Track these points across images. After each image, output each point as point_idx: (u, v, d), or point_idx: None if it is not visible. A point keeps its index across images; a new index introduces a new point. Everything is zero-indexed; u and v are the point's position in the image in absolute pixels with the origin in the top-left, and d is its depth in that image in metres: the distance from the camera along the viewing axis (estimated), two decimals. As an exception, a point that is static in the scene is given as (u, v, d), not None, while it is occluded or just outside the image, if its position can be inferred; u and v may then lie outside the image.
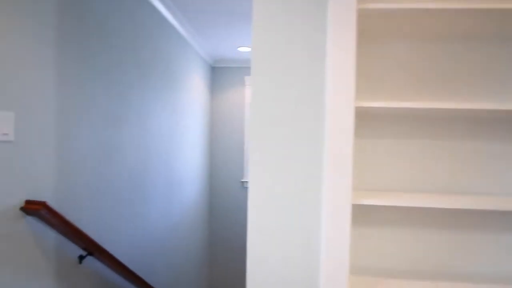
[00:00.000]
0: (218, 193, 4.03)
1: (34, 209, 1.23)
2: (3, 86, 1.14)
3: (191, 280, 3.41)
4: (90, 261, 1.66)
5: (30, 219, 1.27)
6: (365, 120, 1.10)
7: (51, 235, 1.38)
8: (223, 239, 4.05)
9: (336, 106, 0.87)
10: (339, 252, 0.84)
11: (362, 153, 1.13)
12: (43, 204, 1.24)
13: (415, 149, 1.10)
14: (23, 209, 1.23)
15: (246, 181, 3.96)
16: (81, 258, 1.57)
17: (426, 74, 1.10)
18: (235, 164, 4.00)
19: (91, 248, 1.54)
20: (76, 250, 1.55)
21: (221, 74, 4.01)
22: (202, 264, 3.82)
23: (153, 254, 2.42)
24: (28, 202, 1.24)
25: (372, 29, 1.06)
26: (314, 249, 0.93)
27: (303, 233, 0.97)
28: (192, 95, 3.28)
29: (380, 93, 1.08)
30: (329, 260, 0.84)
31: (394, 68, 1.10)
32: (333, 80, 0.85)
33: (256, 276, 0.98)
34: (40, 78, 1.30)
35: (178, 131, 2.88)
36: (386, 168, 1.12)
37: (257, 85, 1.06)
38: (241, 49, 3.46)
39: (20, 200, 1.22)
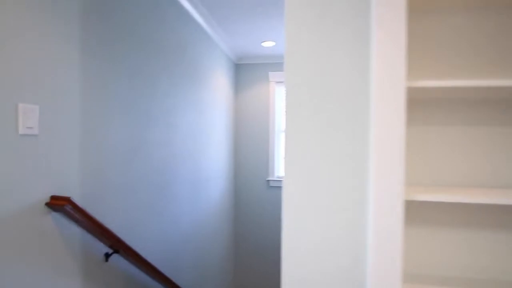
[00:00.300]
0: (243, 192, 3.96)
1: (59, 204, 1.20)
2: (27, 79, 1.11)
3: (216, 280, 3.36)
4: (116, 259, 1.63)
5: (56, 215, 1.25)
6: (414, 104, 0.96)
7: (77, 232, 1.36)
8: (248, 239, 3.97)
9: (383, 87, 0.75)
10: (390, 257, 0.72)
11: (409, 142, 1.00)
12: (67, 200, 1.21)
13: (475, 137, 0.95)
14: (48, 204, 1.20)
15: (272, 180, 3.86)
16: (107, 255, 1.54)
17: (486, 48, 0.95)
18: (261, 162, 3.91)
19: (117, 245, 1.50)
20: (102, 248, 1.52)
21: (245, 71, 3.94)
22: (227, 265, 3.76)
23: (179, 253, 2.38)
24: (53, 197, 1.22)
25: None
26: (360, 254, 0.82)
27: (346, 235, 0.86)
28: (216, 92, 3.23)
29: (431, 72, 0.94)
30: (378, 266, 0.73)
31: (445, 41, 0.96)
32: (380, 54, 0.73)
33: (292, 283, 0.88)
34: (65, 72, 1.27)
35: (203, 129, 2.84)
36: (439, 160, 0.98)
37: (291, 71, 0.96)
38: (265, 44, 3.37)
39: (45, 196, 1.20)
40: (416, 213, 0.96)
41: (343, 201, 0.90)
